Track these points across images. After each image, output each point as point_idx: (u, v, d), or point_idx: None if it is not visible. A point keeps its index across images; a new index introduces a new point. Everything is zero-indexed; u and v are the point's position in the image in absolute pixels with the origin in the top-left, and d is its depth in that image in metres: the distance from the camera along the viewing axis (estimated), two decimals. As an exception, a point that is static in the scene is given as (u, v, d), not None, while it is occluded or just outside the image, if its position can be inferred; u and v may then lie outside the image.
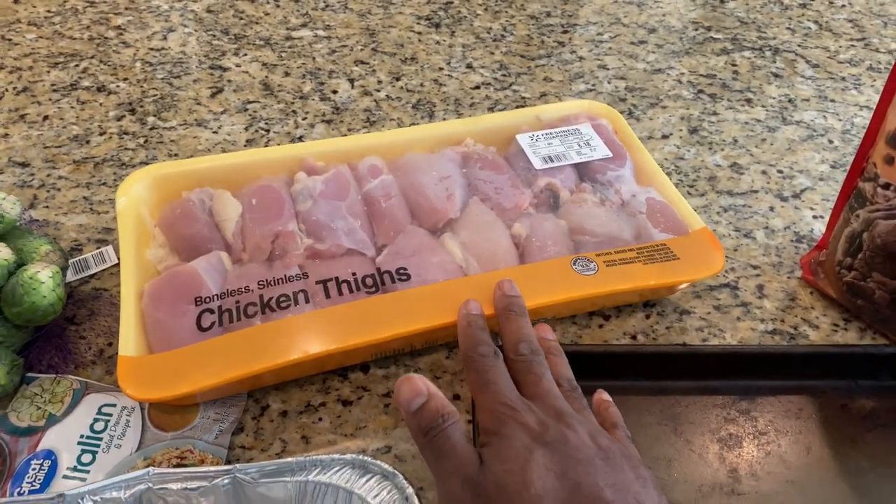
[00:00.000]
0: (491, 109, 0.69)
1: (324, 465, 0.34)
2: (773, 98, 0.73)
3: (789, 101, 0.72)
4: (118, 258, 0.51)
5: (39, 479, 0.39)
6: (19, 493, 0.38)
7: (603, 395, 0.41)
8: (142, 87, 0.69)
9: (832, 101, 0.73)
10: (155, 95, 0.68)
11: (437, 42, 0.78)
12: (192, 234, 0.47)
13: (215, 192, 0.50)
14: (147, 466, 0.35)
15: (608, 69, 0.75)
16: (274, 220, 0.47)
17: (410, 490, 0.33)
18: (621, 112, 0.68)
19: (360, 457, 0.34)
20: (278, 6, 0.82)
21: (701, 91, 0.73)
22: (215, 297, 0.44)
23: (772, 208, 0.60)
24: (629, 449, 0.36)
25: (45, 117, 0.65)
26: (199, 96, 0.68)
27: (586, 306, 0.49)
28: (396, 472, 0.34)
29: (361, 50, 0.76)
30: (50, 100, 0.67)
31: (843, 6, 0.89)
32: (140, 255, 0.46)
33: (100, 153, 0.61)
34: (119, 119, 0.65)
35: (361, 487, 0.34)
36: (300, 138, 0.64)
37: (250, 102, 0.68)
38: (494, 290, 0.44)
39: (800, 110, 0.71)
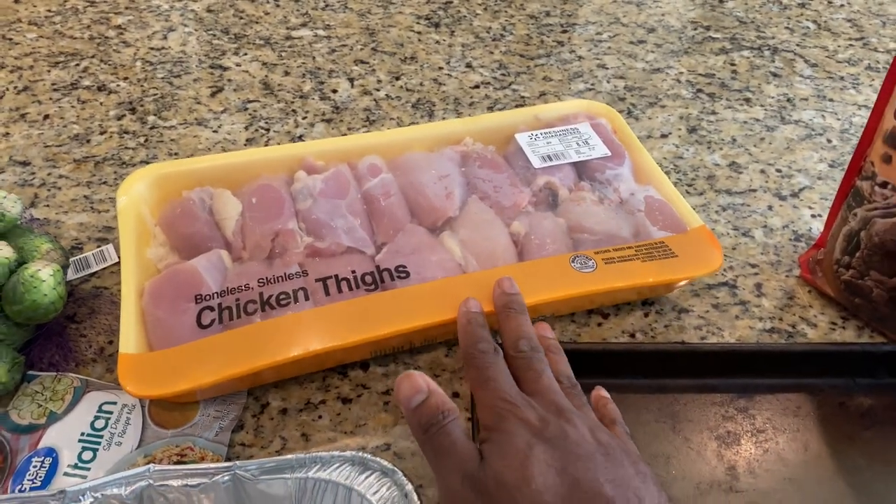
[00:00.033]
0: (490, 109, 0.69)
1: (323, 462, 0.34)
2: (772, 97, 0.73)
3: (788, 100, 0.73)
4: (118, 257, 0.51)
5: (40, 477, 0.39)
6: (20, 490, 0.38)
7: (601, 392, 0.41)
8: (142, 86, 0.69)
9: (831, 100, 0.73)
10: (155, 95, 0.68)
11: (437, 41, 0.78)
12: (193, 232, 0.47)
13: (215, 191, 0.50)
14: (147, 464, 0.36)
15: (607, 68, 0.76)
16: (274, 218, 0.47)
17: (410, 487, 0.33)
18: (620, 111, 0.68)
19: (360, 454, 0.34)
20: (278, 6, 0.83)
21: (700, 90, 0.73)
22: (215, 295, 0.44)
23: (770, 207, 0.60)
24: (628, 445, 0.36)
25: (46, 116, 0.65)
26: (200, 95, 0.68)
27: (585, 304, 0.50)
28: (396, 468, 0.34)
29: (361, 49, 0.76)
30: (50, 99, 0.67)
31: (842, 6, 0.89)
32: (140, 253, 0.46)
33: (100, 152, 0.61)
34: (119, 118, 0.65)
35: (361, 484, 0.34)
36: (300, 137, 0.64)
37: (250, 102, 0.68)
38: (494, 288, 0.44)
39: (798, 110, 0.71)
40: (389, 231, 0.48)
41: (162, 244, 0.47)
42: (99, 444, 0.41)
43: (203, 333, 0.42)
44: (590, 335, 0.49)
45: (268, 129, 0.65)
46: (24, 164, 0.60)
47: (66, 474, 0.39)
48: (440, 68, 0.74)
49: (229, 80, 0.71)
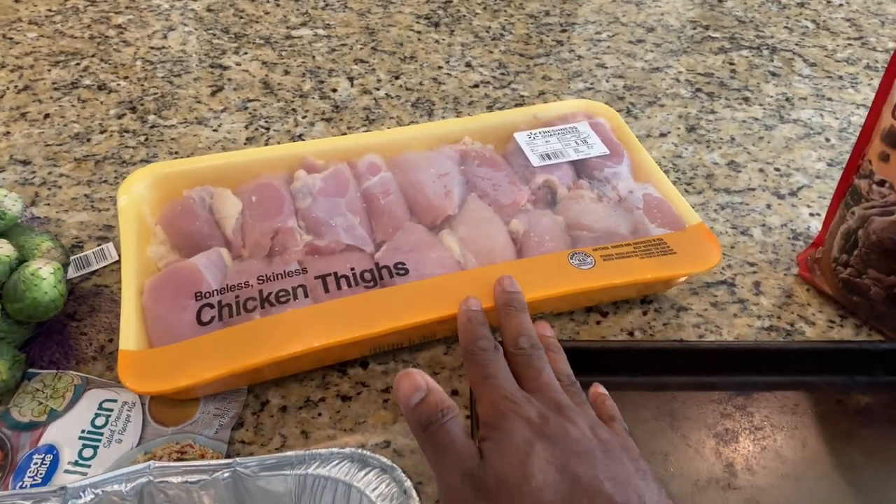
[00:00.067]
0: (490, 108, 0.69)
1: (323, 459, 0.35)
2: (771, 96, 0.73)
3: (787, 99, 0.73)
4: (119, 255, 0.51)
5: (41, 474, 0.39)
6: (21, 487, 0.38)
7: (599, 389, 0.41)
8: (142, 85, 0.69)
9: (829, 99, 0.73)
10: (155, 94, 0.68)
11: (437, 41, 0.78)
12: (193, 230, 0.47)
13: (216, 190, 0.50)
14: (148, 461, 0.36)
15: (606, 68, 0.76)
16: (273, 216, 0.48)
17: (409, 483, 0.33)
18: (619, 110, 0.69)
19: (359, 450, 0.35)
20: (278, 5, 0.83)
21: (699, 90, 0.74)
22: (215, 293, 0.44)
23: (769, 206, 0.60)
24: (628, 442, 0.36)
25: (47, 115, 0.65)
26: (200, 95, 0.68)
27: (583, 301, 0.50)
28: (395, 465, 0.34)
29: (361, 49, 0.76)
30: (51, 98, 0.67)
31: (841, 5, 0.90)
32: (141, 251, 0.46)
33: (101, 151, 0.62)
34: (120, 117, 0.65)
35: (360, 481, 0.34)
36: (300, 136, 0.65)
37: (250, 101, 0.68)
38: (495, 286, 0.44)
39: (797, 109, 0.71)
40: (389, 229, 0.48)
41: (162, 242, 0.47)
42: (99, 441, 0.41)
43: (203, 330, 0.42)
44: (589, 333, 0.49)
45: (268, 129, 0.65)
46: (25, 162, 0.60)
47: (66, 471, 0.39)
48: (440, 67, 0.74)
49: (229, 80, 0.71)
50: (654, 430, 0.44)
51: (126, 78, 0.70)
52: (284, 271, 0.45)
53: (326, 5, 0.83)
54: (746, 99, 0.72)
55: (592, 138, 0.56)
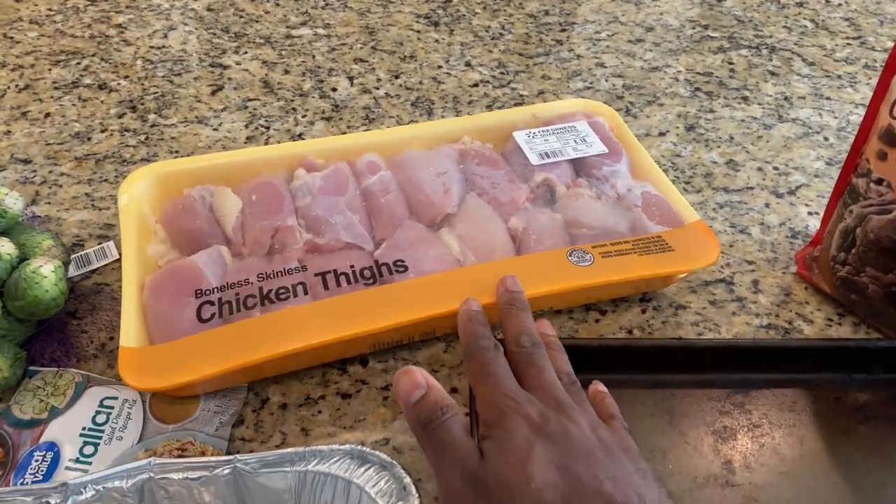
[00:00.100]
0: (489, 107, 0.69)
1: (323, 456, 0.35)
2: (770, 96, 0.73)
3: (785, 98, 0.73)
4: (119, 253, 0.51)
5: (42, 471, 0.39)
6: (22, 484, 0.39)
7: (598, 387, 0.41)
8: (143, 84, 0.69)
9: (828, 98, 0.73)
10: (156, 93, 0.68)
11: (436, 40, 0.79)
12: (193, 229, 0.47)
13: (216, 189, 0.50)
14: (148, 458, 0.36)
15: (606, 67, 0.76)
16: (273, 215, 0.48)
17: (408, 480, 0.33)
18: (619, 110, 0.69)
19: (359, 447, 0.35)
20: (278, 5, 0.83)
21: (698, 89, 0.74)
22: (215, 290, 0.44)
23: (767, 205, 0.60)
24: (628, 441, 0.36)
25: (47, 115, 0.65)
26: (200, 94, 0.69)
27: (582, 298, 0.50)
28: (394, 462, 0.34)
29: (361, 48, 0.77)
30: (52, 97, 0.67)
31: (840, 5, 0.90)
32: (141, 250, 0.46)
33: (101, 150, 0.62)
34: (120, 116, 0.65)
35: (360, 477, 0.34)
36: (300, 136, 0.65)
37: (250, 100, 0.68)
38: (497, 285, 0.44)
39: (796, 108, 0.72)
40: (388, 227, 0.49)
41: (163, 241, 0.48)
42: (100, 438, 0.41)
43: (203, 327, 0.42)
44: (587, 331, 0.49)
45: (268, 128, 0.65)
46: (26, 161, 0.60)
47: (67, 468, 0.39)
48: (439, 67, 0.74)
49: (229, 79, 0.71)
50: (652, 427, 0.44)
51: (126, 77, 0.70)
52: (284, 269, 0.45)
53: (326, 5, 0.83)
54: (745, 98, 0.73)
55: (591, 137, 0.56)
